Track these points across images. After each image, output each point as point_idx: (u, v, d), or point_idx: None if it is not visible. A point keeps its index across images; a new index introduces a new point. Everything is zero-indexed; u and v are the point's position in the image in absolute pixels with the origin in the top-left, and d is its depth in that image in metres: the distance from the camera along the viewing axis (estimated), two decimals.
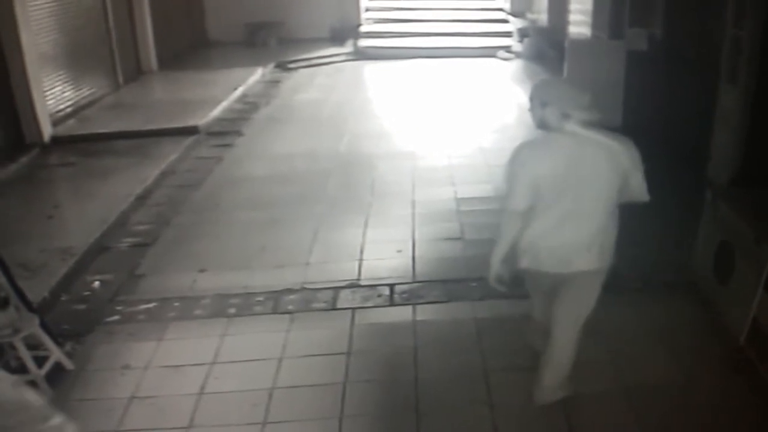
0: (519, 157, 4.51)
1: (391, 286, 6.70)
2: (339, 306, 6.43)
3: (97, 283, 6.95)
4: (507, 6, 21.58)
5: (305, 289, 6.68)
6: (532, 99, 4.55)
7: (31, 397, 3.73)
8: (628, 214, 4.87)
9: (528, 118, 4.69)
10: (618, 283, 6.01)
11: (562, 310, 4.78)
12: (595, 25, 12.55)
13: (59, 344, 5.62)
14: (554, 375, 4.87)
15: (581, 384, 5.09)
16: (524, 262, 4.67)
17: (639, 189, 4.52)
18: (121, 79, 14.81)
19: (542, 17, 18.46)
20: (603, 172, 4.41)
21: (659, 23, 9.82)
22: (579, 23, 14.12)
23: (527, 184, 4.42)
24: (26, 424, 3.60)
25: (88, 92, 13.33)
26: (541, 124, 4.50)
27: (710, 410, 4.90)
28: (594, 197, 4.45)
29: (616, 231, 4.62)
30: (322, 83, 16.15)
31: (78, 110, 12.71)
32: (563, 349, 4.81)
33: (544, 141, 4.53)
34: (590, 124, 4.42)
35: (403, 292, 6.61)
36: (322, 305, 6.45)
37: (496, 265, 4.65)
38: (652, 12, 10.02)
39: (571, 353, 4.82)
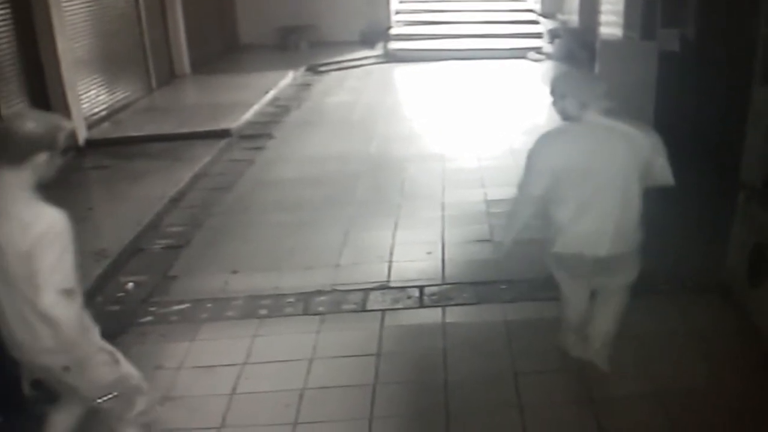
0: (539, 145, 4.77)
1: (421, 287, 6.69)
2: (369, 308, 6.44)
3: (130, 285, 7.00)
4: (537, 7, 21.51)
5: (335, 290, 6.69)
6: (552, 92, 4.76)
7: (128, 369, 4.02)
8: (660, 216, 4.85)
9: (556, 117, 4.85)
10: (650, 285, 6.03)
11: (606, 285, 5.03)
12: (627, 25, 12.47)
13: None
14: (602, 338, 5.14)
15: (612, 386, 5.09)
16: (555, 246, 4.84)
17: (662, 174, 4.69)
18: (154, 83, 14.93)
19: (573, 18, 18.39)
20: (622, 158, 4.58)
21: (692, 23, 9.73)
22: (610, 24, 14.04)
23: (543, 172, 4.67)
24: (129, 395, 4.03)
25: (122, 96, 13.44)
26: (564, 116, 4.73)
27: (741, 413, 4.84)
28: (616, 183, 4.60)
29: (640, 214, 4.74)
30: (352, 86, 16.18)
31: (112, 113, 12.81)
32: (610, 315, 5.09)
33: (563, 131, 4.78)
34: (609, 113, 4.61)
35: (433, 294, 6.60)
36: (352, 307, 6.46)
37: (508, 244, 5.00)
38: (685, 12, 9.92)
39: (618, 319, 5.11)
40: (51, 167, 3.70)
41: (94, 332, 4.03)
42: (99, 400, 4.10)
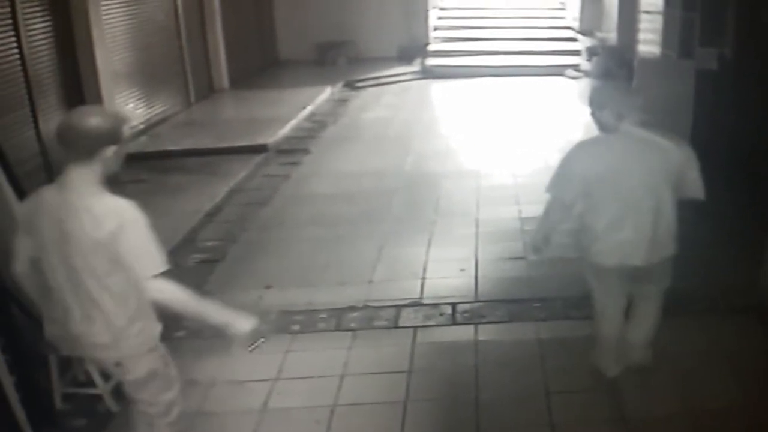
0: (573, 152, 4.97)
1: (454, 305, 6.67)
2: (401, 324, 6.43)
3: None
4: (576, 24, 21.45)
5: (368, 306, 6.70)
6: (591, 103, 4.92)
7: (173, 375, 4.27)
8: (696, 234, 4.84)
9: (593, 130, 5.03)
10: (686, 304, 6.01)
11: (643, 295, 5.20)
12: (665, 44, 12.40)
13: None
14: (644, 338, 5.31)
15: (644, 406, 5.07)
16: (594, 257, 4.99)
17: (694, 187, 4.87)
18: (192, 97, 15.05)
19: (611, 36, 18.31)
20: (655, 169, 4.74)
21: (730, 43, 9.68)
22: (649, 42, 13.97)
23: (574, 179, 4.87)
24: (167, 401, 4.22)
25: (160, 110, 13.56)
26: (602, 126, 4.91)
27: None
28: (649, 193, 4.75)
29: (674, 224, 4.88)
30: (389, 102, 16.22)
31: (150, 127, 12.93)
32: (649, 318, 5.25)
33: (599, 140, 4.98)
34: (645, 125, 4.77)
35: (465, 312, 6.58)
36: (384, 323, 6.46)
37: (537, 242, 5.22)
38: (723, 31, 9.88)
39: (656, 321, 5.26)
40: (117, 160, 3.82)
41: (156, 330, 4.14)
42: (143, 401, 4.19)
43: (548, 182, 5.05)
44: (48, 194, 3.82)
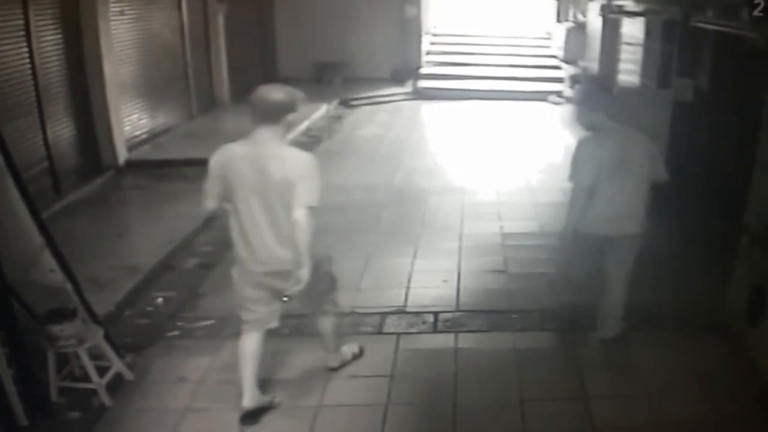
0: (584, 144, 5.75)
1: (436, 313, 6.69)
2: (385, 330, 6.45)
3: (160, 300, 7.01)
4: (560, 53, 21.52)
5: (355, 313, 6.68)
6: (584, 107, 5.89)
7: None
8: (667, 257, 4.84)
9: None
10: (654, 323, 6.04)
11: (613, 270, 5.86)
12: (644, 74, 12.46)
13: (121, 356, 5.68)
14: (613, 314, 5.90)
15: (614, 416, 5.07)
16: (587, 228, 5.68)
17: (661, 171, 5.69)
18: (195, 110, 14.99)
19: (593, 65, 18.37)
20: (641, 158, 5.60)
21: (705, 75, 9.71)
22: (628, 72, 14.03)
23: (591, 165, 5.57)
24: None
25: (163, 121, 13.49)
26: (589, 126, 5.77)
27: None
28: (636, 177, 5.58)
29: (647, 202, 5.68)
30: (381, 120, 16.21)
31: (153, 137, 12.85)
32: (616, 295, 5.88)
33: (599, 136, 5.71)
34: (625, 124, 5.73)
35: (447, 320, 6.59)
36: (370, 329, 6.47)
37: (568, 236, 5.79)
38: (699, 64, 9.91)
39: (622, 299, 5.88)
40: (292, 124, 4.87)
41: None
42: (321, 297, 5.39)
43: (568, 174, 5.70)
44: (238, 149, 4.88)
